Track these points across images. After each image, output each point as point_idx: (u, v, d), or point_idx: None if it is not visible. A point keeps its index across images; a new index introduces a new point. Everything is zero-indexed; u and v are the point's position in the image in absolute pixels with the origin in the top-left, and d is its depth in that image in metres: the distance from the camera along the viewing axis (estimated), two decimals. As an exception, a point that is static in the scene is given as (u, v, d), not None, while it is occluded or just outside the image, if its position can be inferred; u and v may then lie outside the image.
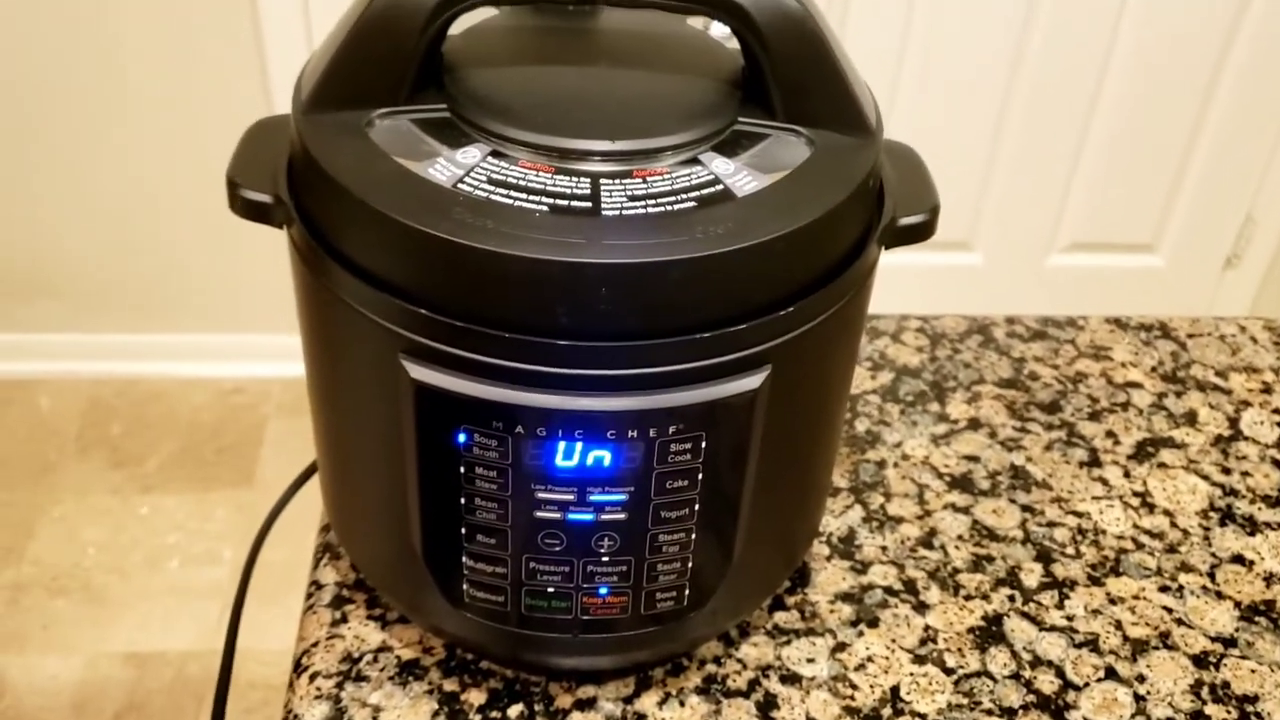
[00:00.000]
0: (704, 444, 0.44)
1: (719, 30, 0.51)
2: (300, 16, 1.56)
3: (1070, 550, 0.63)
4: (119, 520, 1.65)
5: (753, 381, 0.44)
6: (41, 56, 1.59)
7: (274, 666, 1.43)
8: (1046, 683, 0.57)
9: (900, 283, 1.82)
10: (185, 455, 1.75)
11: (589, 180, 0.43)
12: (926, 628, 0.59)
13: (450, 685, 0.54)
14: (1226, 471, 0.69)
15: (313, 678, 0.55)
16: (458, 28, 0.48)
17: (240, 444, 1.77)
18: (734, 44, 0.49)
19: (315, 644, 0.56)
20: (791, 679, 0.56)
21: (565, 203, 0.42)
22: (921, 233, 0.49)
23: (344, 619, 0.57)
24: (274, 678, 1.43)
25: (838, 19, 1.62)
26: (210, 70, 1.61)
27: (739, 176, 0.44)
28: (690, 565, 0.48)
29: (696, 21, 0.53)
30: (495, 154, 0.44)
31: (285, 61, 1.58)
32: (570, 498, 0.45)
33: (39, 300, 1.81)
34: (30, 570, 1.57)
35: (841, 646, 0.58)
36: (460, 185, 0.42)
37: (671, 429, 0.43)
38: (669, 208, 0.42)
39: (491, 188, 0.42)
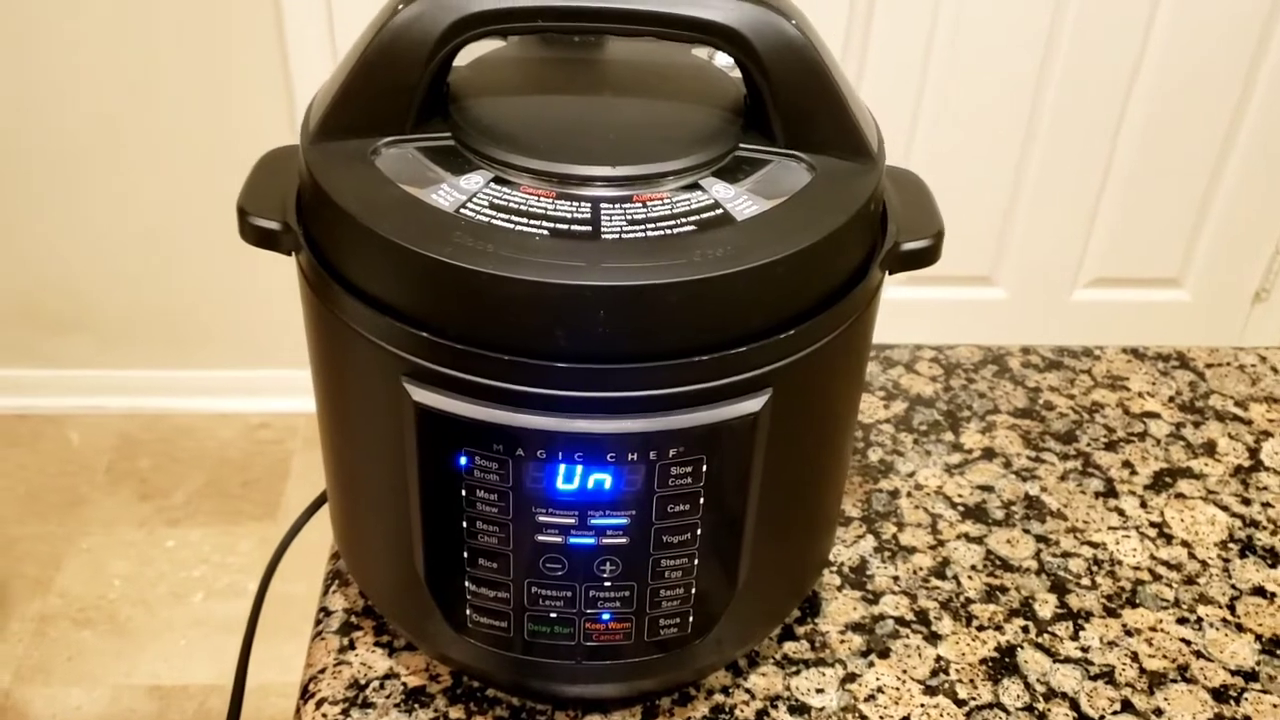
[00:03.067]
0: (705, 467, 0.44)
1: (722, 60, 0.52)
2: (329, 59, 1.59)
3: (1086, 581, 0.63)
4: (145, 553, 1.66)
5: (753, 405, 0.44)
6: (71, 92, 1.62)
7: (294, 699, 1.43)
8: (1061, 715, 0.56)
9: (922, 317, 1.82)
10: (211, 489, 1.76)
11: (589, 205, 0.43)
12: (938, 658, 0.58)
13: (456, 713, 0.54)
14: (1246, 502, 0.68)
15: (319, 704, 0.55)
16: (463, 59, 0.49)
17: (266, 478, 1.78)
18: (737, 73, 0.49)
19: (323, 670, 0.56)
20: (800, 709, 0.55)
21: (566, 227, 0.42)
22: (925, 258, 0.49)
23: (351, 646, 0.57)
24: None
25: (857, 54, 1.63)
26: (238, 107, 1.64)
27: (739, 201, 0.44)
28: (694, 591, 0.48)
29: (701, 53, 0.53)
30: (498, 180, 0.44)
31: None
32: (571, 521, 0.45)
33: (69, 336, 1.84)
34: (57, 602, 1.58)
35: (852, 677, 0.57)
36: (463, 210, 0.43)
37: (672, 452, 0.43)
38: (668, 231, 0.42)
39: (493, 213, 0.43)
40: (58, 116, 1.64)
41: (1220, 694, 0.57)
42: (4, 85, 1.61)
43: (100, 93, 1.62)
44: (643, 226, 0.42)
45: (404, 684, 0.55)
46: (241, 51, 1.59)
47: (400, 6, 0.44)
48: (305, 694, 0.55)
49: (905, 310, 1.71)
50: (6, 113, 1.63)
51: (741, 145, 0.47)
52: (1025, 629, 0.60)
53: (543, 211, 0.43)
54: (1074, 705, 0.56)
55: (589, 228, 0.42)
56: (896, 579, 0.62)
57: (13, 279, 1.79)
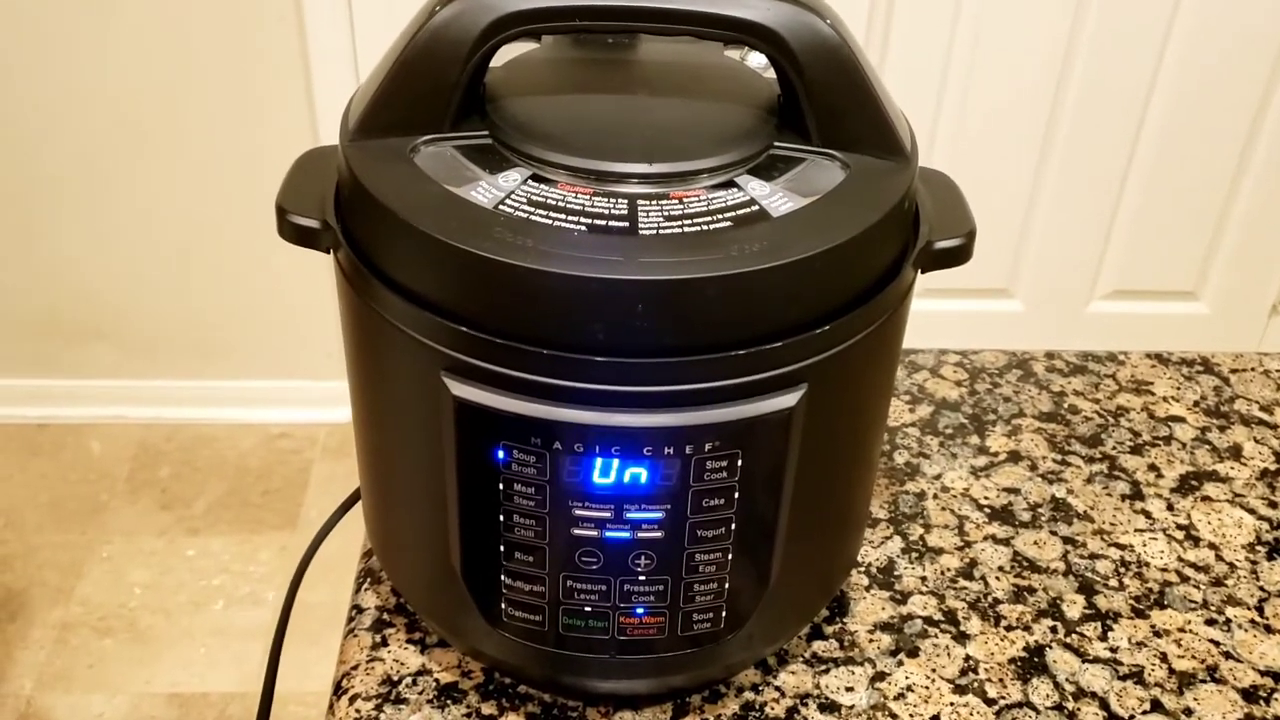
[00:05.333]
0: (740, 462, 0.45)
1: (756, 60, 0.53)
2: (351, 70, 1.60)
3: (1113, 582, 0.63)
4: (165, 562, 1.67)
5: (789, 400, 0.44)
6: (93, 103, 1.64)
7: (315, 708, 1.43)
8: (1090, 714, 0.56)
9: (940, 328, 1.82)
10: (232, 498, 1.77)
11: (626, 201, 0.44)
12: (967, 658, 0.58)
13: (488, 709, 0.55)
14: (1274, 505, 0.68)
15: (352, 700, 0.55)
16: (499, 60, 0.50)
17: (286, 488, 1.79)
18: (770, 73, 0.50)
19: (355, 667, 0.57)
20: (830, 708, 0.56)
21: (603, 223, 0.43)
22: (957, 256, 0.49)
23: (384, 642, 0.58)
24: (315, 719, 1.43)
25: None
26: (260, 118, 1.65)
27: (774, 198, 0.45)
28: (727, 586, 0.48)
29: (733, 53, 0.54)
30: (535, 177, 0.45)
31: (334, 113, 1.61)
32: (607, 515, 0.45)
33: (91, 346, 1.85)
34: (78, 610, 1.59)
35: (881, 676, 0.57)
36: (501, 207, 0.43)
37: (707, 446, 0.44)
38: (705, 227, 0.43)
39: (531, 209, 0.43)
40: (80, 127, 1.66)
41: (1250, 694, 0.57)
42: (27, 96, 1.63)
43: (122, 104, 1.64)
44: (679, 222, 0.43)
45: (436, 680, 0.56)
46: (264, 62, 1.61)
47: (438, 7, 0.45)
48: (338, 690, 0.56)
49: (921, 320, 1.71)
50: (30, 123, 1.65)
51: (776, 143, 0.47)
52: (1054, 629, 0.60)
53: (580, 208, 0.43)
54: (1104, 705, 0.56)
55: (626, 223, 0.43)
56: (924, 579, 0.62)
57: (35, 289, 1.80)
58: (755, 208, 0.44)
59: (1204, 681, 0.58)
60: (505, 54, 0.50)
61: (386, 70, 0.47)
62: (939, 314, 1.82)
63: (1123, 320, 1.88)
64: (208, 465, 1.83)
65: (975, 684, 0.57)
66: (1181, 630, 0.60)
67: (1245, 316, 1.91)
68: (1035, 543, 0.65)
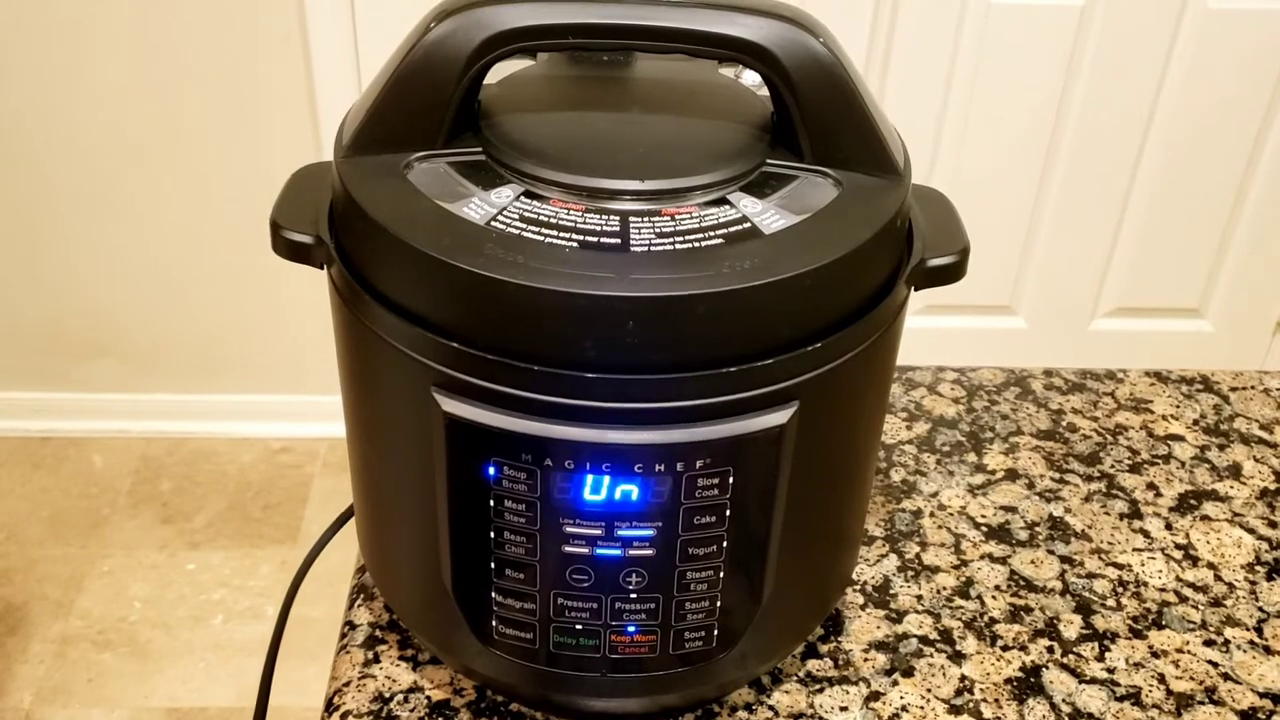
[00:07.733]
0: (731, 479, 0.44)
1: (749, 79, 0.53)
2: (353, 83, 1.61)
3: (1111, 602, 0.62)
4: (166, 576, 1.67)
5: (780, 417, 0.44)
6: (96, 118, 1.64)
7: (313, 724, 1.43)
8: (1086, 736, 0.55)
9: (942, 345, 1.82)
10: (232, 512, 1.77)
11: (619, 218, 0.44)
12: (963, 678, 0.58)
13: (480, 727, 0.54)
14: (1273, 525, 0.68)
15: (344, 717, 0.55)
16: (493, 77, 0.50)
17: (286, 502, 1.79)
18: (764, 91, 0.50)
19: (347, 683, 0.56)
20: (824, 727, 0.55)
21: (595, 239, 0.43)
22: (951, 274, 0.49)
23: (376, 659, 0.58)
24: (313, 735, 1.43)
25: (874, 88, 1.64)
26: (264, 137, 1.66)
27: (767, 215, 0.45)
28: (719, 605, 0.48)
29: (727, 72, 0.54)
30: (528, 194, 0.45)
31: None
32: (598, 532, 0.45)
33: (93, 360, 1.86)
34: (78, 624, 1.59)
35: (875, 695, 0.57)
36: (493, 223, 0.43)
37: (699, 463, 0.44)
38: (697, 244, 0.43)
39: (523, 225, 0.43)
40: (83, 142, 1.66)
41: (1248, 716, 0.57)
42: (30, 111, 1.63)
43: (126, 119, 1.64)
44: (671, 239, 0.43)
45: (428, 697, 0.56)
46: (269, 80, 1.61)
47: (433, 24, 0.45)
48: (330, 707, 0.56)
49: (925, 338, 1.71)
50: (32, 138, 1.66)
51: (769, 161, 0.47)
52: (1050, 649, 0.60)
53: (572, 224, 0.43)
54: (1100, 726, 0.56)
55: (618, 240, 0.43)
56: (920, 598, 0.62)
57: (38, 304, 1.81)
58: (747, 225, 0.44)
59: (1202, 703, 0.57)
60: (499, 71, 0.50)
61: (381, 87, 0.47)
62: (942, 331, 1.82)
63: (1126, 338, 1.88)
64: (209, 479, 1.83)
65: (971, 704, 0.57)
66: (1180, 651, 0.60)
67: (1249, 335, 1.90)
68: (1032, 562, 0.65)
